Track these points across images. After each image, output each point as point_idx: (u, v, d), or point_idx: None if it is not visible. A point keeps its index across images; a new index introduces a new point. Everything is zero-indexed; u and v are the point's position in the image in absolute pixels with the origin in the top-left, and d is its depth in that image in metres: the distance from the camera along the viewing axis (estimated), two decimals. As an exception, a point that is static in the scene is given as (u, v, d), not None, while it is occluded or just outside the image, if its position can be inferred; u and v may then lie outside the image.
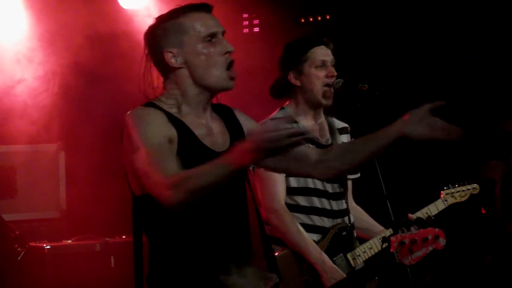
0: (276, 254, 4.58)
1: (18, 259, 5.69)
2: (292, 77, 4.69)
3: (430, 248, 4.40)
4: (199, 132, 3.32)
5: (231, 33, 3.55)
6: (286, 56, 4.75)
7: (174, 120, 3.29)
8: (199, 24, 3.34)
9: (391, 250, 4.37)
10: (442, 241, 4.42)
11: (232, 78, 3.35)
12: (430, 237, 4.39)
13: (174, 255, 3.29)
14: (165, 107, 3.32)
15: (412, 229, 4.41)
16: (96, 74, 6.88)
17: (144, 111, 3.27)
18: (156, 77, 3.40)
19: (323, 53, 4.70)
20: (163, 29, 3.37)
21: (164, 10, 3.50)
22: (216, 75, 3.33)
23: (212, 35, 3.33)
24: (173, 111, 3.32)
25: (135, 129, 3.19)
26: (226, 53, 3.33)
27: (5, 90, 6.62)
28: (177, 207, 3.03)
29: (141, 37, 6.70)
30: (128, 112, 3.26)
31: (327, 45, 4.74)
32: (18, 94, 6.66)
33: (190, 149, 3.26)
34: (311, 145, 3.61)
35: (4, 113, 6.60)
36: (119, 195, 6.67)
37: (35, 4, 6.64)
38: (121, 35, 6.70)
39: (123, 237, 6.55)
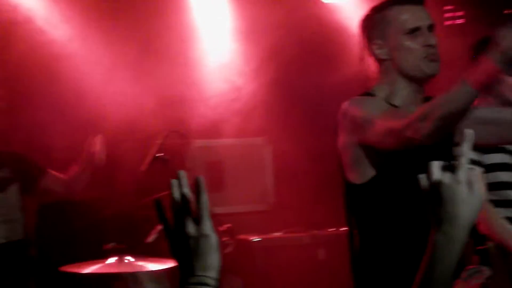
0: (487, 246, 4.44)
1: (227, 251, 5.76)
2: None
3: None
4: None
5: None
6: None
7: None
8: (404, 17, 3.32)
9: None
10: None
11: (431, 67, 3.31)
12: None
13: (383, 247, 3.28)
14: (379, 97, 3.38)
15: None
16: (299, 66, 6.89)
17: (362, 97, 3.37)
18: (372, 66, 3.46)
19: None
20: (372, 20, 3.40)
21: (368, 4, 3.53)
22: (415, 65, 3.30)
23: (415, 29, 3.31)
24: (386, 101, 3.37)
25: (360, 108, 3.26)
26: (426, 45, 3.30)
27: (212, 86, 6.75)
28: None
29: (341, 30, 6.69)
30: (346, 102, 3.34)
31: None
32: (225, 90, 6.76)
33: None
34: None
35: (211, 109, 6.72)
36: (328, 187, 6.65)
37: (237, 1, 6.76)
38: (320, 29, 6.70)
39: (332, 229, 6.52)
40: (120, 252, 4.94)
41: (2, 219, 4.89)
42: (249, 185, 6.88)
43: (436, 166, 1.87)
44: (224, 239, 5.81)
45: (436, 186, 1.86)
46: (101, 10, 6.23)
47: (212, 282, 2.02)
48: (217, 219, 5.83)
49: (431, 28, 3.34)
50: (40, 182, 5.10)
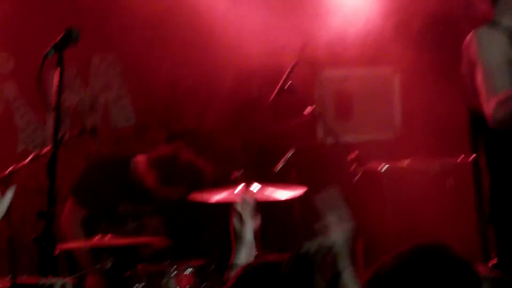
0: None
1: (355, 180, 5.79)
2: None
3: None
4: None
5: None
6: None
7: None
8: None
9: None
10: None
11: None
12: None
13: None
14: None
15: None
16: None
17: (488, 32, 3.31)
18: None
19: None
20: None
21: None
22: None
23: None
24: None
25: (478, 47, 3.27)
26: None
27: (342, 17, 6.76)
28: (498, 126, 2.95)
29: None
30: (473, 31, 3.37)
31: None
32: (355, 20, 6.74)
33: None
34: None
35: (339, 39, 6.71)
36: (453, 116, 6.58)
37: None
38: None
39: (460, 158, 6.45)
40: (249, 180, 5.04)
41: None
42: (377, 114, 6.86)
43: None
44: (352, 167, 5.84)
45: None
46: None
47: None
48: (345, 148, 5.88)
49: None
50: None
